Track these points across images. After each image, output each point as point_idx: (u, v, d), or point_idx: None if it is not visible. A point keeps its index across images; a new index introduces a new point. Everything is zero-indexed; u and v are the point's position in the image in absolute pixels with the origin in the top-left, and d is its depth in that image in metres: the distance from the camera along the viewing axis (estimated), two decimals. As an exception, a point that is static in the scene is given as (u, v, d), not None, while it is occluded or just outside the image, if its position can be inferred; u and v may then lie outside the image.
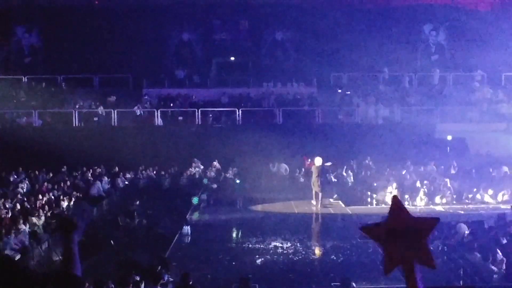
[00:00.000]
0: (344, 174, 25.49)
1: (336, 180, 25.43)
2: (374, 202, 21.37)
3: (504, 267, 12.57)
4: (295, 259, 14.28)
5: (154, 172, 26.23)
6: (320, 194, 20.96)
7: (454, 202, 20.94)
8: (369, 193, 22.08)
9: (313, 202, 21.21)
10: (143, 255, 12.98)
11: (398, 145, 26.62)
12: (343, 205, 21.51)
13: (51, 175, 24.67)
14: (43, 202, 19.16)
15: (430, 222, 2.91)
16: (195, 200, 21.43)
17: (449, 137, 27.96)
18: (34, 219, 16.71)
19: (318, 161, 21.24)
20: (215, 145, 27.49)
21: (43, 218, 17.25)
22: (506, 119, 28.53)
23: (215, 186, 25.13)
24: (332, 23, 33.17)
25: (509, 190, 21.65)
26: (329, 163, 22.11)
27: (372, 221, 17.28)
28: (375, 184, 22.70)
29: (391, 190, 21.55)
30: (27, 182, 23.10)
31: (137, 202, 19.71)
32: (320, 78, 32.15)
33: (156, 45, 33.68)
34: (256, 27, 34.49)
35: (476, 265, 12.77)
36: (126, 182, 24.96)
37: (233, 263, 13.99)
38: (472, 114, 29.07)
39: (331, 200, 22.31)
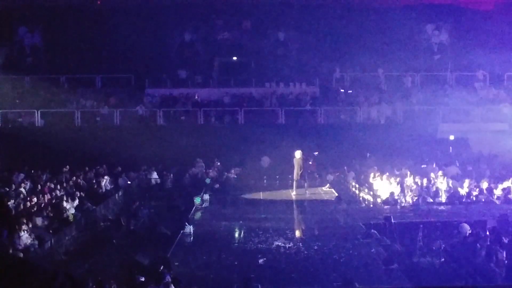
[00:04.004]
0: (347, 173, 25.53)
1: (337, 179, 25.55)
2: (378, 201, 21.35)
3: (506, 267, 12.58)
4: (297, 259, 14.28)
5: (157, 172, 26.23)
6: (306, 184, 23.18)
7: (456, 201, 20.90)
8: (371, 192, 22.08)
9: (292, 191, 23.26)
10: (145, 255, 12.98)
11: (400, 145, 26.65)
12: (335, 193, 22.81)
13: (53, 174, 24.70)
14: (46, 202, 19.20)
15: None
16: (197, 199, 21.42)
17: (452, 137, 27.96)
18: (37, 219, 16.73)
19: (298, 154, 23.15)
20: (217, 145, 27.55)
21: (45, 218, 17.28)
22: (509, 119, 28.48)
23: (217, 185, 25.13)
24: (335, 22, 33.20)
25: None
26: (316, 152, 24.16)
27: (375, 220, 17.38)
28: (377, 184, 22.68)
29: (393, 190, 21.56)
30: (29, 182, 23.14)
31: (137, 203, 19.71)
32: (323, 77, 32.17)
33: (159, 45, 33.67)
34: (259, 27, 34.46)
35: (479, 264, 12.77)
36: (129, 182, 24.97)
37: (236, 262, 13.99)
38: (474, 114, 29.02)
39: (324, 189, 24.08)
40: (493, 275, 12.40)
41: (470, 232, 14.89)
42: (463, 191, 21.63)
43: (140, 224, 18.45)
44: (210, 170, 26.82)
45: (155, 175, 25.73)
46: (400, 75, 32.20)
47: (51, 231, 16.45)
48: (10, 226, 14.99)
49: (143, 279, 11.44)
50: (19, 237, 14.87)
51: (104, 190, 23.14)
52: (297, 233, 17.23)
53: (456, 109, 29.17)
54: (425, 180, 22.69)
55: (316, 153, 23.70)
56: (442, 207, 20.26)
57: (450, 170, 24.46)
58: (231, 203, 22.23)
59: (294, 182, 23.38)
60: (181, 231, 16.80)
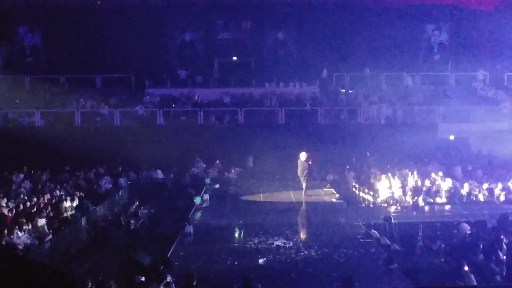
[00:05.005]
0: (347, 174, 25.51)
1: (337, 179, 25.53)
2: (378, 201, 21.33)
3: (506, 267, 12.57)
4: (297, 258, 14.29)
5: (157, 171, 26.23)
6: (304, 185, 23.04)
7: (456, 201, 20.89)
8: (371, 192, 22.06)
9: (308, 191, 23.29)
10: (145, 255, 12.98)
11: (400, 145, 26.63)
12: (335, 193, 22.97)
13: (53, 174, 24.69)
14: (46, 202, 19.19)
15: None
16: (197, 199, 21.42)
17: (452, 137, 27.95)
18: (37, 219, 16.71)
19: (303, 155, 23.20)
20: (218, 144, 27.55)
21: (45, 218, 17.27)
22: (509, 119, 28.48)
23: (217, 185, 25.14)
24: (335, 22, 33.22)
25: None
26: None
27: (375, 220, 17.38)
28: (377, 184, 22.66)
29: (394, 190, 21.56)
30: (29, 182, 23.14)
31: (137, 203, 19.73)
32: (323, 77, 32.17)
33: (159, 45, 33.71)
34: (259, 27, 34.50)
35: (479, 265, 12.76)
36: (129, 182, 24.97)
37: (236, 262, 13.99)
38: (474, 114, 29.02)
39: (324, 189, 24.16)
40: (493, 275, 12.40)
41: (470, 232, 14.90)
42: (463, 191, 21.62)
43: (140, 224, 18.45)
44: (210, 170, 26.83)
45: (160, 174, 25.78)
46: (400, 75, 32.21)
47: (51, 231, 16.44)
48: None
49: (143, 279, 11.44)
50: (14, 237, 14.88)
51: (104, 190, 23.14)
52: (297, 233, 17.22)
53: (456, 109, 29.18)
54: (425, 180, 22.70)
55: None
56: (442, 207, 20.27)
57: (455, 171, 24.48)
58: (231, 203, 22.23)
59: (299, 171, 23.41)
60: (181, 231, 16.80)
